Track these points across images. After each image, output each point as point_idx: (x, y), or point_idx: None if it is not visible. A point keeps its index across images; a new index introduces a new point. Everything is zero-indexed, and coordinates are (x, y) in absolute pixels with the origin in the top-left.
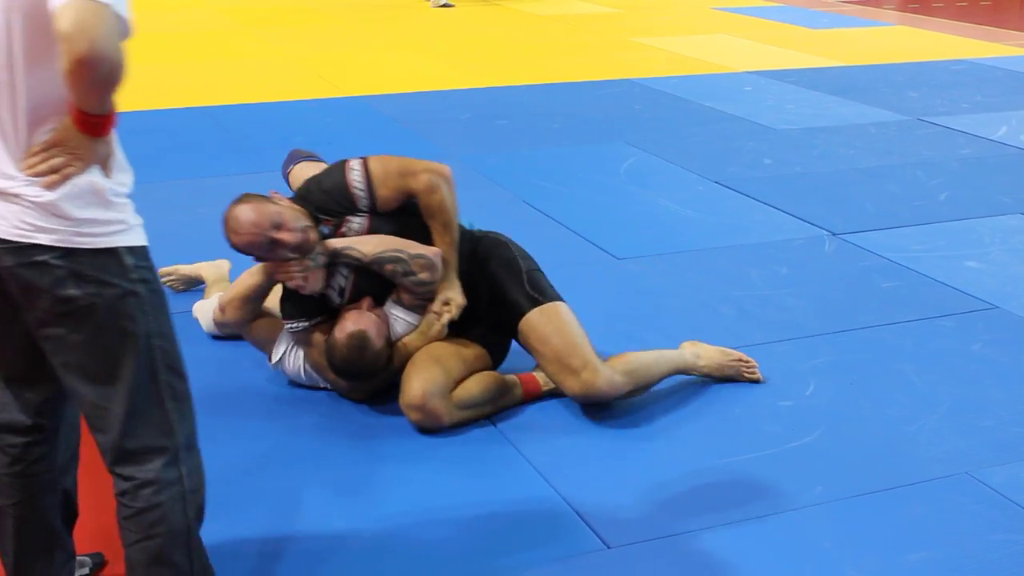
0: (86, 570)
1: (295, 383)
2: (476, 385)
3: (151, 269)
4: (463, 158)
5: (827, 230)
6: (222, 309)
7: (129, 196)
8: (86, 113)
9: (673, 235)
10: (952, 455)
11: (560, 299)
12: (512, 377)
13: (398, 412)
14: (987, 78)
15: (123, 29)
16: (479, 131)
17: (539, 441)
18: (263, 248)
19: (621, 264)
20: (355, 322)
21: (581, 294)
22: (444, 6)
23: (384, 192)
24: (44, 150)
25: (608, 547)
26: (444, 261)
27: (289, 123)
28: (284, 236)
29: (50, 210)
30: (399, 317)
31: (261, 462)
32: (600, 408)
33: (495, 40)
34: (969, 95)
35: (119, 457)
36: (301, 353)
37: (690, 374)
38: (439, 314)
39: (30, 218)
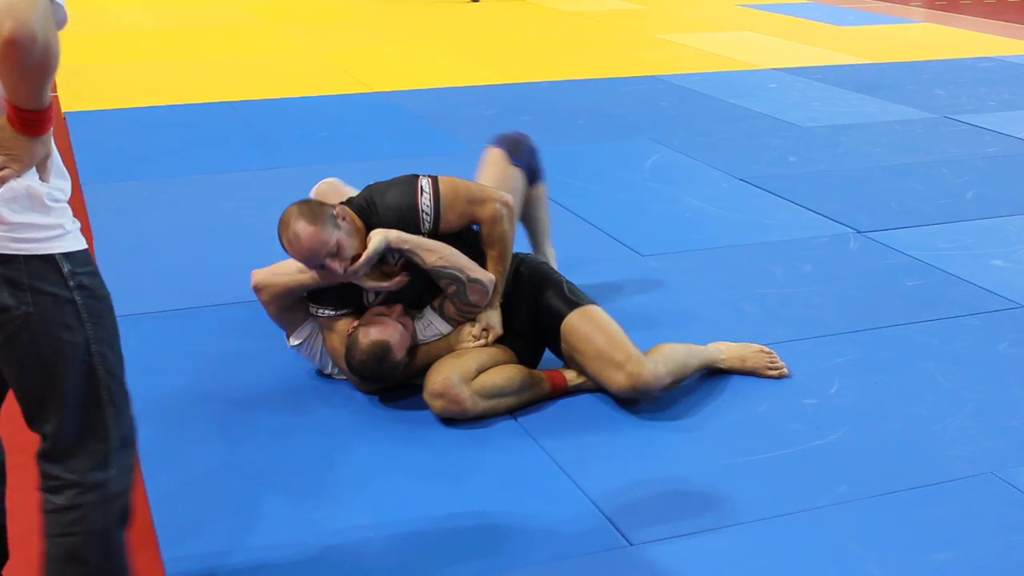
0: None
1: (319, 373)
2: (500, 374)
3: (92, 274)
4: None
5: (852, 228)
6: (257, 288)
7: (65, 204)
8: (22, 109)
9: (697, 232)
10: (977, 455)
11: (596, 304)
12: (538, 372)
13: (416, 407)
14: (1015, 76)
15: (58, 17)
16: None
17: (561, 437)
18: (312, 266)
19: (645, 261)
20: (380, 330)
21: (605, 291)
22: None
23: (450, 216)
24: None
25: (630, 544)
26: (493, 288)
27: (313, 118)
28: (335, 265)
29: None
30: (432, 324)
31: (290, 456)
32: (624, 405)
33: (519, 36)
34: (996, 93)
35: (49, 456)
36: (321, 339)
37: (714, 367)
38: (476, 337)
39: None
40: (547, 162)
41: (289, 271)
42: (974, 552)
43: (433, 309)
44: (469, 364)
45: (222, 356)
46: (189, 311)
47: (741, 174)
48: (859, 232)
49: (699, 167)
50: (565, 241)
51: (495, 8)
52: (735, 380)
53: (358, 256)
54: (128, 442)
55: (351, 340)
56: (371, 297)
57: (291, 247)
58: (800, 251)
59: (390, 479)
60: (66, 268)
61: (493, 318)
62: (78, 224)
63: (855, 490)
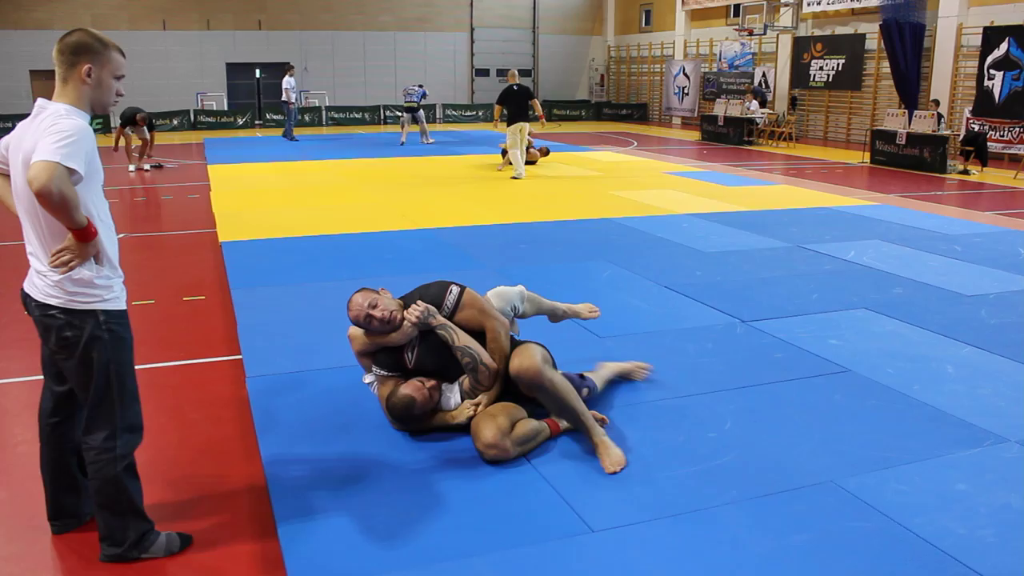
0: (176, 547)
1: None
2: (524, 427)
3: (121, 325)
4: (496, 269)
5: (738, 319)
6: (350, 338)
7: (112, 283)
8: (70, 228)
9: (637, 321)
10: (820, 468)
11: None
12: (542, 422)
13: (435, 441)
14: (840, 219)
15: (74, 177)
16: (508, 251)
17: (552, 459)
18: (363, 320)
19: (602, 341)
20: (413, 389)
21: (575, 361)
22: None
23: (463, 313)
24: (58, 251)
25: (592, 531)
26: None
27: (381, 246)
28: (375, 313)
29: (59, 285)
30: (453, 396)
31: (364, 467)
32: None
33: (519, 193)
34: (830, 230)
35: (84, 430)
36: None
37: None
38: (471, 406)
39: (49, 288)
40: (537, 276)
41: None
42: (819, 536)
43: (458, 384)
44: (504, 422)
45: (330, 396)
46: (305, 372)
47: (665, 283)
48: (743, 321)
49: (638, 279)
50: (549, 328)
51: (504, 176)
52: (664, 419)
53: (394, 315)
54: (134, 428)
55: (393, 389)
56: (410, 357)
57: (349, 309)
58: (704, 334)
59: (420, 479)
60: (102, 318)
61: (486, 399)
62: (119, 294)
63: (742, 493)
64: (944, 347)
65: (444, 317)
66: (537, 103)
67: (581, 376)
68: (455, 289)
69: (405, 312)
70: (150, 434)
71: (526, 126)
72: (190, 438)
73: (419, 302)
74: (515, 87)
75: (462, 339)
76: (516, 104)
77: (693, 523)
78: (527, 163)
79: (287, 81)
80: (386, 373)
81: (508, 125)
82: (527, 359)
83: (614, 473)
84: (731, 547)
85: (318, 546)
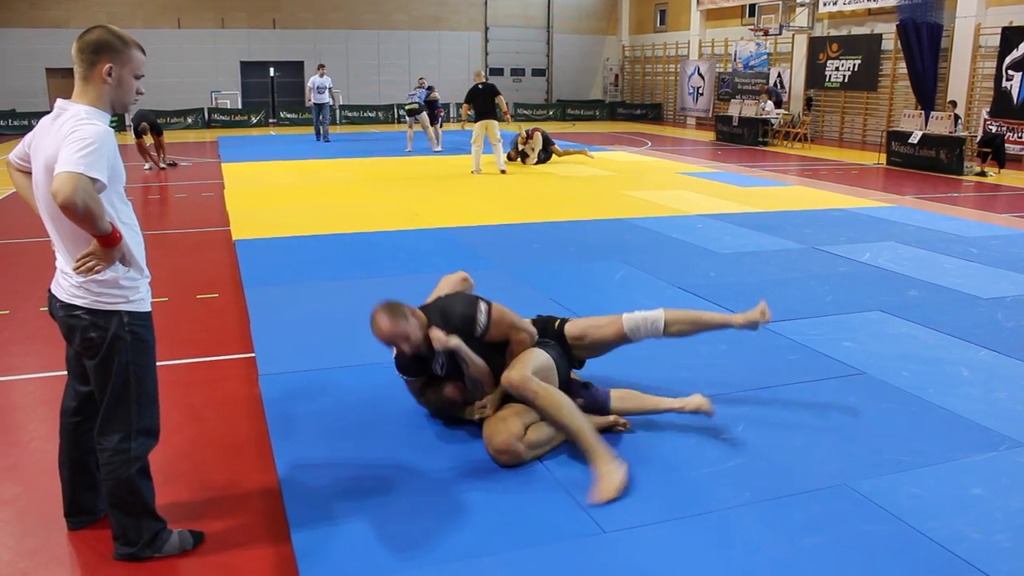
0: (189, 545)
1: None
2: (538, 431)
3: (143, 327)
4: (510, 269)
5: None
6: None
7: (138, 284)
8: (95, 236)
9: None
10: (834, 471)
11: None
12: None
13: (448, 442)
14: (855, 221)
15: (98, 185)
16: (521, 251)
17: (558, 460)
18: (390, 346)
19: None
20: (457, 394)
21: (592, 362)
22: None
23: (495, 332)
24: (83, 257)
25: (604, 532)
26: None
27: (394, 245)
28: (404, 347)
29: (84, 286)
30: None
31: (380, 460)
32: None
33: (532, 192)
34: (844, 232)
35: (99, 430)
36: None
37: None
38: (482, 407)
39: (74, 289)
40: (549, 276)
41: None
42: (832, 539)
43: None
44: (517, 427)
45: (348, 396)
46: (318, 371)
47: (679, 284)
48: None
49: (651, 279)
50: None
51: (516, 174)
52: (678, 423)
53: (420, 347)
54: (150, 432)
55: (441, 390)
56: (438, 367)
57: (375, 329)
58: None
59: (432, 480)
60: (125, 319)
61: (491, 400)
62: (143, 296)
63: (755, 495)
64: (960, 350)
65: (479, 334)
66: (502, 100)
67: (585, 385)
68: (483, 307)
69: (432, 337)
70: (163, 432)
71: (493, 123)
72: (203, 436)
73: (441, 336)
74: (480, 85)
75: (473, 369)
76: (482, 102)
77: (705, 525)
78: (540, 161)
79: (310, 80)
80: (412, 379)
81: (475, 122)
82: (515, 371)
83: (596, 504)
84: (743, 549)
85: (330, 542)
